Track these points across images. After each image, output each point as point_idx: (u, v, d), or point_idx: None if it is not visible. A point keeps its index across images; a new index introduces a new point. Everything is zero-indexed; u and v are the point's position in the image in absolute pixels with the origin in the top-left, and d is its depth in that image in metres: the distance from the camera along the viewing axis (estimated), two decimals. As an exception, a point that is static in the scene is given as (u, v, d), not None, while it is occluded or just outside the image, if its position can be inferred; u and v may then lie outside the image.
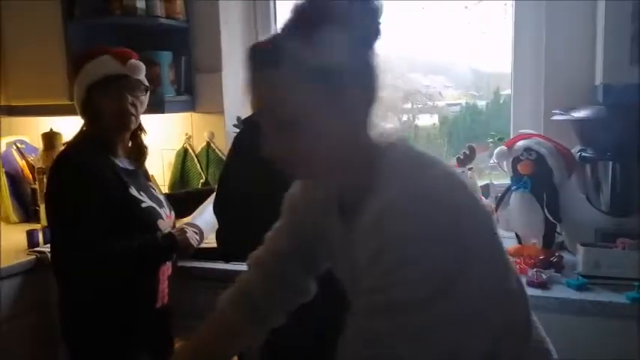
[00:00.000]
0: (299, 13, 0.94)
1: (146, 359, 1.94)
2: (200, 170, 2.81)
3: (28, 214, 3.01)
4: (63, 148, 1.98)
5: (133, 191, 1.89)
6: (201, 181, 2.81)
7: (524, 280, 1.86)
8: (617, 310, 1.72)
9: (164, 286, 1.98)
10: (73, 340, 1.92)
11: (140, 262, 1.88)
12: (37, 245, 2.52)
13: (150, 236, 1.88)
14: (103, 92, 1.88)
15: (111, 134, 1.93)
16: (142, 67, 1.93)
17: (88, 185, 1.79)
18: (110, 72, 1.88)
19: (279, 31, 0.96)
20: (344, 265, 1.13)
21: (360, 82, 0.96)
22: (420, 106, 3.06)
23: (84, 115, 1.93)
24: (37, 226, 2.67)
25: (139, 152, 2.02)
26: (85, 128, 1.96)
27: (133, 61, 1.91)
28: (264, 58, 0.95)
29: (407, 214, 0.89)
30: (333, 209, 1.11)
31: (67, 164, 1.85)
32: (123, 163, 1.95)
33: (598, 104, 2.10)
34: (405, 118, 3.02)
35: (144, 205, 1.90)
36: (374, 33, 0.97)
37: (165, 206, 2.02)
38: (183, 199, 2.32)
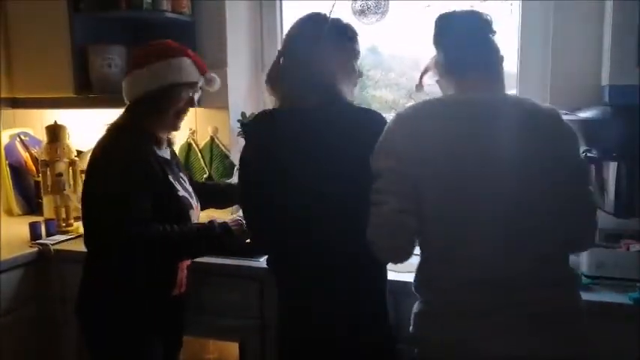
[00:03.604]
0: None
1: (158, 344, 1.96)
2: (203, 165, 2.81)
3: (31, 206, 3.01)
4: (108, 130, 1.93)
5: (171, 179, 1.91)
6: (205, 175, 2.80)
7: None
8: (621, 311, 1.72)
9: (183, 275, 1.99)
10: (89, 319, 1.94)
11: (195, 248, 1.90)
12: (40, 237, 2.51)
13: (207, 223, 1.91)
14: (176, 94, 1.92)
15: (162, 130, 1.97)
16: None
17: (137, 169, 1.81)
18: (191, 79, 1.93)
19: None
20: None
21: None
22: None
23: (144, 105, 1.92)
24: (40, 219, 2.67)
25: (170, 142, 2.05)
26: (133, 115, 1.94)
27: (212, 74, 2.00)
28: None
29: None
30: None
31: (118, 148, 1.86)
32: (161, 152, 1.97)
33: (604, 105, 2.10)
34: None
35: (180, 193, 1.92)
36: None
37: (194, 197, 2.03)
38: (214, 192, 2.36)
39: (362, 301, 1.70)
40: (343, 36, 1.74)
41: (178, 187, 1.93)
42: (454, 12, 1.60)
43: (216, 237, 1.90)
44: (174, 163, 2.03)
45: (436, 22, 1.61)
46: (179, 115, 1.96)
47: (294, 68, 1.70)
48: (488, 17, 1.58)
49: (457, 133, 1.46)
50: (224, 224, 1.93)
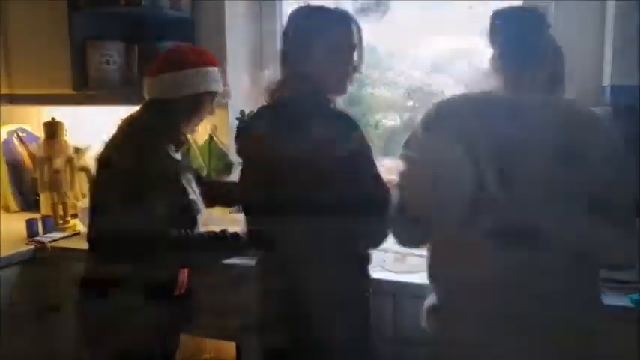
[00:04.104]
0: None
1: (158, 343, 1.96)
2: (202, 163, 2.79)
3: (28, 203, 3.00)
4: (128, 126, 1.92)
5: (184, 182, 1.91)
6: (203, 174, 2.79)
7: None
8: (622, 313, 1.71)
9: (184, 275, 1.99)
10: (88, 317, 1.93)
11: (205, 254, 1.90)
12: (37, 235, 2.50)
13: (219, 232, 1.90)
14: (206, 103, 1.96)
15: (186, 132, 2.00)
16: None
17: (152, 168, 1.81)
18: (219, 89, 1.98)
19: None
20: None
21: None
22: (420, 104, 3.05)
23: (176, 107, 1.91)
24: (37, 216, 2.66)
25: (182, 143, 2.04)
26: (157, 115, 1.92)
27: (228, 87, 2.10)
28: None
29: None
30: None
31: (136, 146, 1.84)
32: (174, 154, 1.96)
33: (605, 105, 2.09)
34: (406, 115, 3.01)
35: (191, 197, 1.92)
36: None
37: (201, 200, 2.02)
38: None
39: (364, 299, 1.72)
40: (334, 27, 1.72)
41: (189, 190, 1.93)
42: (509, 7, 1.59)
43: (228, 247, 1.91)
44: (184, 164, 2.03)
45: (491, 18, 1.56)
46: (201, 120, 2.02)
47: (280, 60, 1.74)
48: (543, 12, 1.56)
49: (472, 130, 1.44)
50: (235, 235, 1.92)
